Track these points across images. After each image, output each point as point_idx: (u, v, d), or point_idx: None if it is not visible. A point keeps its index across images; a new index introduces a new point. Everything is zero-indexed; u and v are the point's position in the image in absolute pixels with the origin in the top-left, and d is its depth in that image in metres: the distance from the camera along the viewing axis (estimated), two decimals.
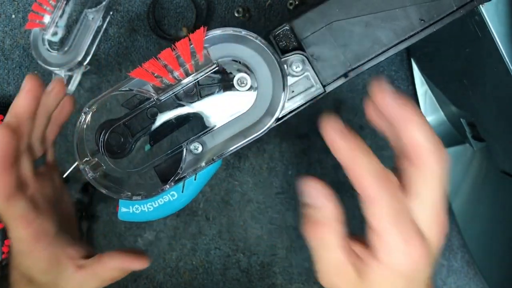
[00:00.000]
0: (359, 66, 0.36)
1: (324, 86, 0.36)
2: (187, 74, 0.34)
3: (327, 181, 0.67)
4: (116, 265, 0.39)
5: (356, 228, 0.67)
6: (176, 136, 0.39)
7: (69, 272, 0.38)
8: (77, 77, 0.64)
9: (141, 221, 0.41)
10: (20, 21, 0.65)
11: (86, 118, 0.36)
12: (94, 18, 0.61)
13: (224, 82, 0.36)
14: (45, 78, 0.65)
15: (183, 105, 0.36)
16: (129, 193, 0.36)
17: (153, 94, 0.35)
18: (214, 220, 0.65)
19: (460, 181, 0.62)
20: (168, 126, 0.37)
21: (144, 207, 0.39)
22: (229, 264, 0.64)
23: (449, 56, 0.52)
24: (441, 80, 0.59)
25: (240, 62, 0.34)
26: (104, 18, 0.62)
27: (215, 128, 0.35)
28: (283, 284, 0.64)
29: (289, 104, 0.36)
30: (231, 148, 0.35)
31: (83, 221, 0.63)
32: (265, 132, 0.35)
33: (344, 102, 0.66)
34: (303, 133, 0.65)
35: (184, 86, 0.35)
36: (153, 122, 0.37)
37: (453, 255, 0.65)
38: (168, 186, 0.36)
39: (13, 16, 0.65)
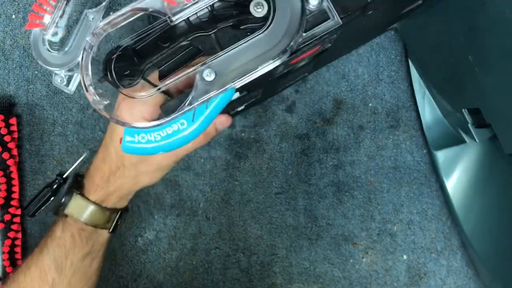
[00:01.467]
0: None
1: (342, 19, 0.34)
2: None
3: (327, 181, 0.68)
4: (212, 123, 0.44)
5: (356, 227, 0.68)
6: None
7: None
8: (77, 77, 0.64)
9: (147, 154, 0.38)
10: (21, 21, 0.65)
11: (97, 40, 0.34)
12: (94, 19, 0.61)
13: (240, 9, 0.34)
14: (45, 78, 0.65)
15: (196, 34, 0.35)
16: None
17: (167, 12, 0.33)
18: (214, 220, 0.65)
19: (462, 181, 0.62)
20: (179, 58, 0.36)
21: (150, 136, 0.36)
22: (229, 263, 0.64)
23: (453, 32, 0.51)
24: (442, 75, 0.59)
25: None
26: (104, 19, 0.62)
27: (228, 53, 0.33)
28: (283, 284, 0.64)
29: (304, 35, 0.34)
30: (245, 77, 0.33)
31: None
32: (280, 60, 0.33)
33: (344, 102, 0.66)
34: (303, 133, 0.66)
35: (199, 8, 0.33)
36: (164, 49, 0.35)
37: (453, 255, 0.65)
38: (176, 114, 0.34)
39: (14, 16, 0.65)
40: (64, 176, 0.63)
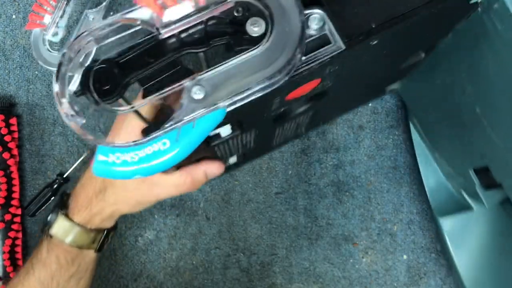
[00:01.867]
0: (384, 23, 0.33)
1: (345, 43, 0.33)
2: (197, 8, 0.30)
3: (327, 181, 0.68)
4: (201, 169, 0.43)
5: (356, 227, 0.68)
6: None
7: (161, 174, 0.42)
8: (77, 78, 0.64)
9: (121, 178, 0.33)
10: (21, 21, 0.65)
11: (77, 55, 0.31)
12: (94, 19, 0.61)
13: (236, 27, 0.31)
14: (45, 78, 0.65)
15: (186, 51, 0.32)
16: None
17: (156, 26, 0.30)
18: (214, 219, 0.65)
19: (474, 254, 0.56)
20: (166, 78, 0.33)
21: (127, 156, 0.32)
22: (229, 263, 0.64)
23: (459, 83, 0.47)
24: (446, 134, 0.54)
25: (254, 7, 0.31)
26: (104, 19, 0.62)
27: (220, 69, 0.30)
28: (283, 283, 0.64)
29: (304, 59, 0.32)
30: (238, 96, 0.30)
31: None
32: (277, 81, 0.30)
33: None
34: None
35: (191, 22, 0.31)
36: (151, 64, 0.32)
37: None
38: (157, 133, 0.30)
39: (14, 16, 0.66)
40: (65, 176, 0.64)
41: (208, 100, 0.30)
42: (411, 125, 0.62)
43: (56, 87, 0.31)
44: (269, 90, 0.30)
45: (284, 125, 0.49)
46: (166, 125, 0.30)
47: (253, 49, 0.30)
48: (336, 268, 0.65)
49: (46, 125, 0.65)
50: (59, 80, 0.31)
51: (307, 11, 0.32)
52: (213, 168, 0.44)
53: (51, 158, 0.65)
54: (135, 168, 0.32)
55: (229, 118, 0.33)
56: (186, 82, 0.30)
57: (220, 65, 0.30)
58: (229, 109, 0.31)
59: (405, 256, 0.65)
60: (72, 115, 0.31)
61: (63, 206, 0.46)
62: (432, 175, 0.61)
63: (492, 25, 0.38)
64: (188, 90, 0.30)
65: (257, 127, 0.43)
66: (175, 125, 0.30)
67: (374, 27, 0.33)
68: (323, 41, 0.33)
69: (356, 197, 0.66)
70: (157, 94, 0.31)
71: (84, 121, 0.32)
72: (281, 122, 0.47)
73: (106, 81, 0.32)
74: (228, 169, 0.58)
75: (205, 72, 0.30)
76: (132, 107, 0.32)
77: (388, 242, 0.65)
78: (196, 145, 0.32)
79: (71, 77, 0.32)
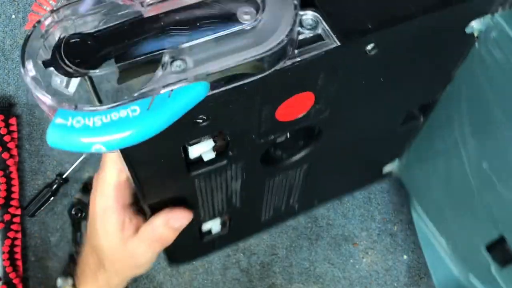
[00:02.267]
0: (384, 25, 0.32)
1: (339, 40, 0.32)
2: None
3: None
4: (162, 222, 0.39)
5: (356, 227, 0.67)
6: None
7: (131, 236, 0.40)
8: (77, 79, 0.64)
9: (79, 150, 0.27)
10: (20, 21, 0.65)
11: (53, 27, 0.29)
12: None
13: (225, 17, 0.30)
14: None
15: (171, 34, 0.30)
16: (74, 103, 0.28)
17: (140, 1, 0.29)
18: None
19: None
20: (144, 59, 0.30)
21: (88, 121, 0.27)
22: (229, 264, 0.64)
23: (461, 140, 0.43)
24: (452, 211, 0.50)
25: None
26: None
27: (204, 40, 0.28)
28: (283, 284, 0.64)
29: (297, 52, 0.31)
30: (222, 70, 0.28)
31: (83, 221, 0.63)
32: (268, 69, 0.29)
33: None
34: None
35: (179, 4, 0.29)
36: (130, 42, 0.30)
37: None
38: (128, 99, 0.27)
39: (13, 16, 0.65)
40: (64, 176, 0.64)
41: (188, 72, 0.27)
42: (414, 214, 0.58)
43: (23, 59, 0.28)
44: (257, 76, 0.29)
45: (275, 179, 0.45)
46: (137, 92, 0.27)
47: (243, 24, 0.29)
48: (336, 268, 0.64)
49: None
50: (28, 50, 0.28)
51: (301, 12, 0.32)
52: (177, 216, 0.39)
53: (50, 158, 0.65)
54: (96, 137, 0.26)
55: (210, 118, 0.32)
56: (165, 52, 0.28)
57: (205, 37, 0.28)
58: (212, 91, 0.28)
59: (405, 256, 0.65)
60: (36, 79, 0.28)
61: (69, 274, 0.46)
62: (441, 269, 0.55)
63: (492, 57, 0.35)
64: (167, 62, 0.27)
65: (244, 160, 0.40)
66: (149, 93, 0.27)
67: (370, 27, 0.33)
68: (317, 40, 0.32)
69: (356, 197, 0.66)
70: (128, 61, 0.28)
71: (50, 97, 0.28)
72: (271, 170, 0.44)
73: (79, 53, 0.29)
74: (211, 244, 0.52)
75: (187, 42, 0.28)
76: (87, 74, 0.29)
77: (388, 242, 0.65)
78: (172, 118, 0.27)
79: (41, 48, 0.29)
